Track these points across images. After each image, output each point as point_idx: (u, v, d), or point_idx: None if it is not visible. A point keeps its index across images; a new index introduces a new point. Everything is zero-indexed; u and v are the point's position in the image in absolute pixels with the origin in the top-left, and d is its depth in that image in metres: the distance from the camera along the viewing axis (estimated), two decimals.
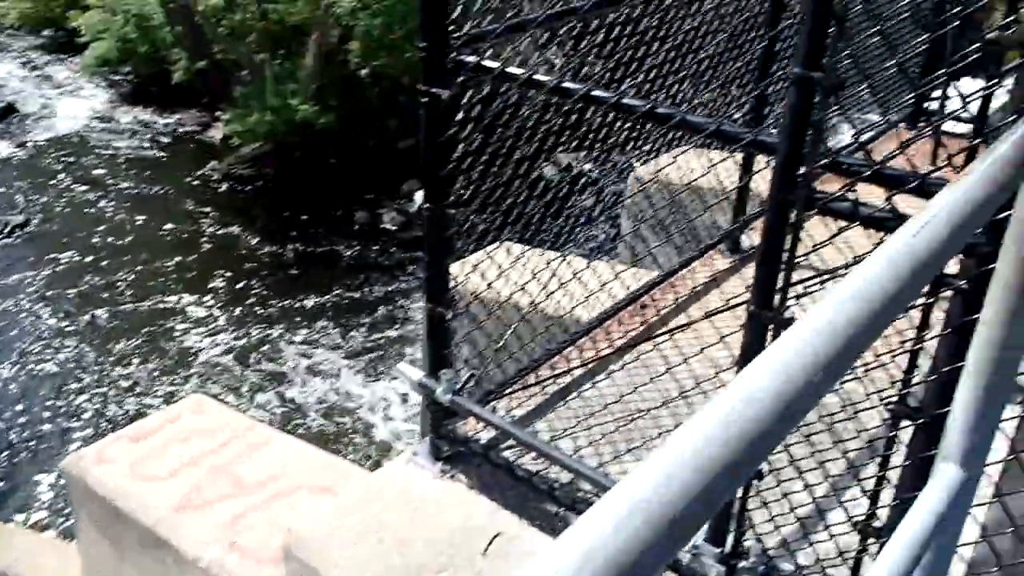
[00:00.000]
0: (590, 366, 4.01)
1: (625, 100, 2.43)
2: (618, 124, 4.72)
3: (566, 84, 2.56)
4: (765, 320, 2.22)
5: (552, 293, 4.04)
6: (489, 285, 3.75)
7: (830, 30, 1.85)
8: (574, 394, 3.87)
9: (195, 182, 15.08)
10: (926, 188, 1.97)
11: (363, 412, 9.89)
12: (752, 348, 2.35)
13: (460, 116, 2.90)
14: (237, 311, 11.62)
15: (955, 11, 2.05)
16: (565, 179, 4.37)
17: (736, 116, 4.77)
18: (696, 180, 3.27)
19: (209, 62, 15.81)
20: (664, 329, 3.51)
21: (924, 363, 2.25)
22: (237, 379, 10.35)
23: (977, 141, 2.23)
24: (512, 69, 2.70)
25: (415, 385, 3.49)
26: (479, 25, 2.79)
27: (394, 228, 13.76)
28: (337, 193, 14.54)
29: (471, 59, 2.72)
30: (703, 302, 4.71)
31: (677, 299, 4.73)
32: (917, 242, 0.87)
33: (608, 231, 7.21)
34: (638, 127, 4.90)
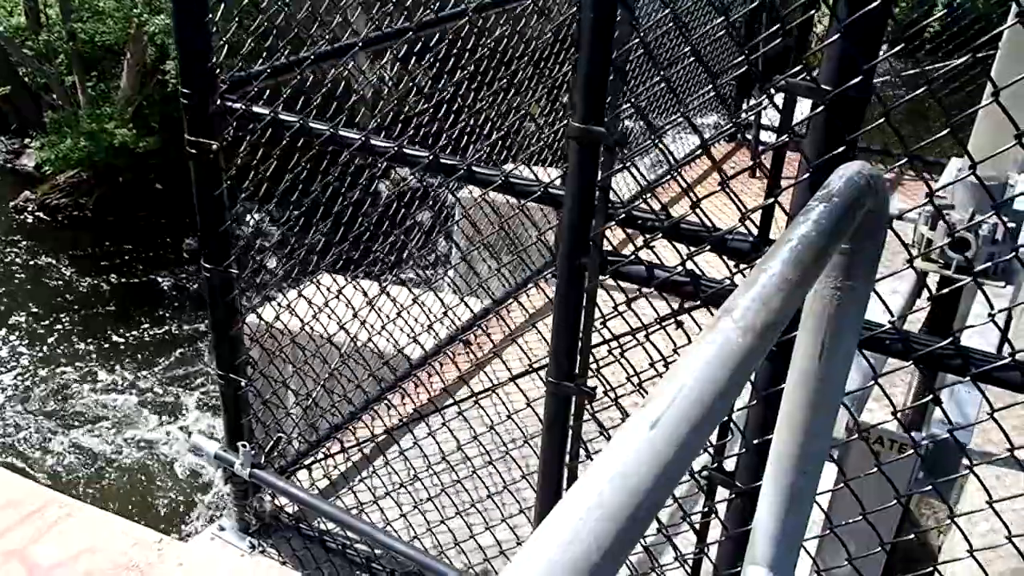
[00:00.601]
0: (407, 421, 3.76)
1: (406, 150, 2.19)
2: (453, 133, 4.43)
3: (343, 133, 2.30)
4: (564, 391, 2.02)
5: (367, 340, 3.76)
6: (306, 325, 3.45)
7: (609, 80, 1.66)
8: (394, 450, 3.61)
9: (4, 214, 14.01)
10: (724, 246, 1.81)
11: (180, 459, 9.23)
12: (555, 417, 2.16)
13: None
14: (43, 350, 10.76)
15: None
16: (392, 194, 4.05)
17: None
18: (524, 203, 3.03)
19: (15, 86, 14.73)
20: (476, 391, 3.29)
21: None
22: (36, 427, 9.51)
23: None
24: (285, 116, 2.41)
25: (211, 459, 3.16)
26: (247, 68, 2.50)
27: None
28: (164, 219, 13.76)
29: (238, 105, 2.42)
30: (525, 339, 4.53)
31: (501, 339, 4.55)
32: (656, 437, 0.65)
33: (441, 248, 6.93)
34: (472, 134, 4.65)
